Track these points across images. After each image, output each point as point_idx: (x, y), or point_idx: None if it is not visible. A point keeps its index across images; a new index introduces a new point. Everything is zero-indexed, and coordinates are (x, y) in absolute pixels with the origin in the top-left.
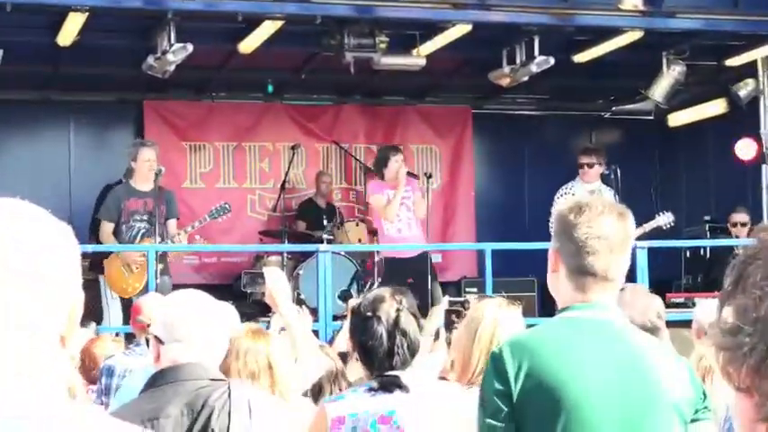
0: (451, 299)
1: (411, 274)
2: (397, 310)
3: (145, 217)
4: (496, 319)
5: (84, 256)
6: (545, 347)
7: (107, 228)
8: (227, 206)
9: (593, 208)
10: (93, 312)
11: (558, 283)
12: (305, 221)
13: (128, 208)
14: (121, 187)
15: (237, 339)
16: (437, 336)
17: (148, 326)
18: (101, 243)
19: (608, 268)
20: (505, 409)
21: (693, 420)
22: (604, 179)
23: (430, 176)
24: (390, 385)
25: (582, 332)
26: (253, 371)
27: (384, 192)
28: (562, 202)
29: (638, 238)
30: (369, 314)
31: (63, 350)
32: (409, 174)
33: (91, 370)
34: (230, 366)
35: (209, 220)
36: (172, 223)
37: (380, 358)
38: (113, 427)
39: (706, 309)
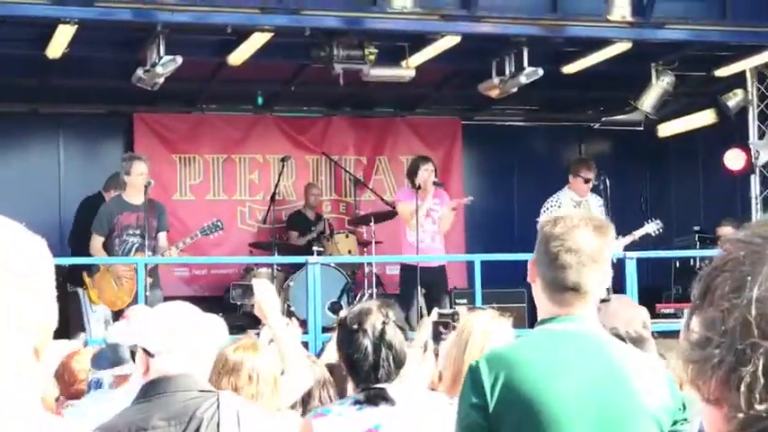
0: (440, 311)
1: (427, 286)
2: (383, 323)
3: (138, 231)
4: (486, 332)
5: (67, 268)
6: (521, 360)
7: (97, 242)
8: (219, 223)
9: (568, 221)
10: (75, 325)
11: (537, 294)
12: (296, 231)
13: (121, 222)
14: (113, 201)
15: (225, 352)
16: (425, 347)
17: None
18: (82, 255)
19: (580, 281)
20: (481, 422)
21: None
22: (593, 189)
23: (419, 188)
24: (376, 398)
25: (559, 344)
26: (237, 384)
27: (412, 200)
28: (544, 216)
29: (629, 247)
30: (355, 327)
31: (36, 363)
32: (435, 184)
33: (70, 385)
34: (219, 379)
35: (201, 237)
36: (162, 236)
37: (366, 371)
38: None
39: None
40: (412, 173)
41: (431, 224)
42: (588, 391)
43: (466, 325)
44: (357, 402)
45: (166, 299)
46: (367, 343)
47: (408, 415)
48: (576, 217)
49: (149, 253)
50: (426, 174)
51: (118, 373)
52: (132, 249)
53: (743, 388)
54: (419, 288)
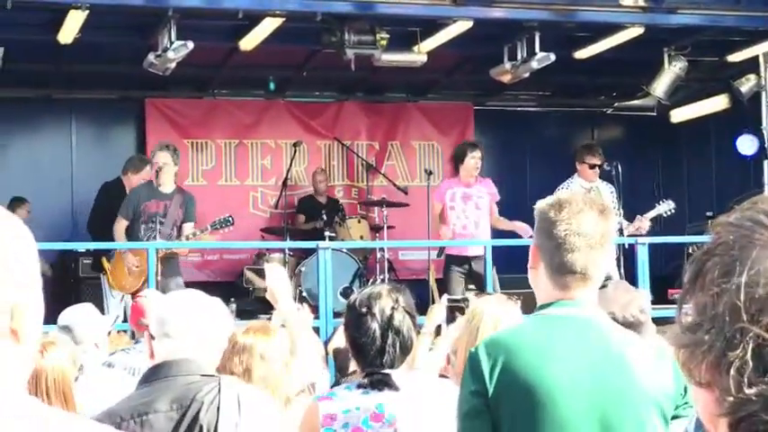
0: (450, 297)
1: (473, 274)
2: (392, 308)
3: (164, 220)
4: (496, 316)
5: (86, 254)
6: (520, 345)
7: (121, 225)
8: (230, 219)
9: (573, 205)
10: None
11: (538, 279)
12: (304, 215)
13: (147, 209)
14: (144, 187)
15: (239, 335)
16: (438, 332)
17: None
18: (102, 241)
19: (587, 265)
20: (481, 408)
21: (675, 417)
22: (605, 175)
23: (431, 173)
24: (380, 383)
25: (559, 329)
26: (248, 367)
27: (447, 193)
28: (543, 200)
29: (646, 233)
30: (363, 310)
31: (16, 344)
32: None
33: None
34: (227, 363)
35: (211, 230)
36: (187, 226)
37: (372, 355)
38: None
39: None
40: (458, 159)
41: (474, 209)
42: (587, 376)
43: (475, 310)
44: (361, 386)
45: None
46: (375, 327)
47: (415, 399)
48: (580, 200)
49: (164, 240)
50: (473, 162)
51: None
52: (152, 236)
53: (732, 372)
54: (460, 276)
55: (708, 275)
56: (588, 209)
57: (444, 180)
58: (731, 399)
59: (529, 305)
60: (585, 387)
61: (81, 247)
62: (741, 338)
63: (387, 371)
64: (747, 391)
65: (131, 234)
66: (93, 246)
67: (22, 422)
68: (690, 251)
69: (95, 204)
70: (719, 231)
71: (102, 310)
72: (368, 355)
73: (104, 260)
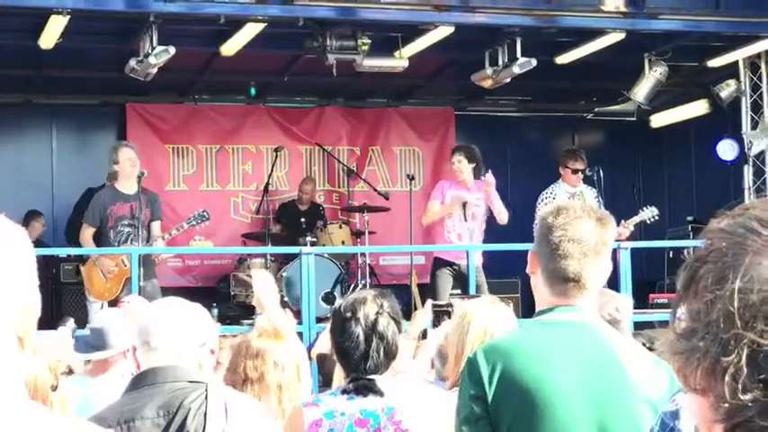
0: (434, 302)
1: (462, 281)
2: (377, 313)
3: (132, 221)
4: (486, 319)
5: (68, 259)
6: (518, 350)
7: (87, 232)
8: (205, 214)
9: (570, 211)
10: (78, 317)
11: (537, 285)
12: (283, 224)
13: (114, 213)
14: (106, 192)
15: (248, 339)
16: (424, 336)
17: None
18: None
19: (581, 272)
20: (480, 413)
21: None
22: (586, 180)
23: (412, 178)
24: (364, 389)
25: (556, 334)
26: (262, 370)
27: (446, 192)
28: (545, 206)
29: (626, 238)
30: (348, 315)
31: (21, 351)
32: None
33: None
34: (243, 363)
35: (187, 227)
36: (156, 225)
37: (356, 360)
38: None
39: None
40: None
41: (470, 220)
42: (585, 380)
43: (465, 313)
44: (346, 392)
45: (161, 289)
46: (359, 332)
47: (400, 406)
48: (579, 208)
49: (141, 243)
50: (454, 165)
51: (97, 358)
52: (128, 240)
53: (727, 378)
54: (449, 275)
55: (701, 282)
56: (586, 217)
57: (443, 180)
58: (726, 405)
59: (516, 310)
60: (583, 392)
61: (62, 252)
62: (735, 344)
63: (371, 376)
64: (742, 396)
65: (101, 240)
66: (74, 251)
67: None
68: (681, 256)
69: (75, 209)
70: (712, 238)
71: (85, 316)
72: (352, 360)
73: (81, 267)
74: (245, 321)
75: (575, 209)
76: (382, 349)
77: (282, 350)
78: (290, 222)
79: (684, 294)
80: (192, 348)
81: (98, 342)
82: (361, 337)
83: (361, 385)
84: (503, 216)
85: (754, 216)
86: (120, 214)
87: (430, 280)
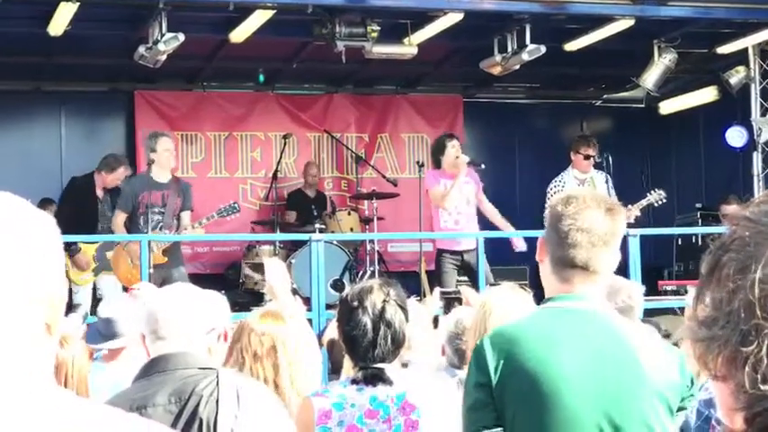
0: (443, 290)
1: (466, 268)
2: (384, 301)
3: (163, 209)
4: (506, 307)
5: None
6: (525, 336)
7: (120, 218)
8: (236, 206)
9: (580, 201)
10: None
11: (545, 272)
12: (295, 211)
13: (145, 200)
14: (139, 178)
15: (254, 322)
16: (436, 324)
17: None
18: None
19: (589, 260)
20: (485, 400)
21: (681, 408)
22: (596, 166)
23: (422, 165)
24: (373, 378)
25: (562, 321)
26: (255, 351)
27: (441, 181)
28: (556, 195)
29: (633, 224)
30: (355, 304)
31: (49, 337)
32: (470, 163)
33: None
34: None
35: (217, 218)
36: (186, 215)
37: (364, 348)
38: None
39: None
40: (438, 152)
41: (465, 205)
42: (591, 367)
43: (486, 300)
44: (355, 382)
45: None
46: (366, 320)
47: (410, 396)
48: (589, 197)
49: (169, 232)
50: (453, 151)
51: (111, 347)
52: (158, 227)
53: (747, 368)
54: (453, 268)
55: (724, 270)
56: (596, 206)
57: (430, 171)
58: (746, 394)
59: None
60: (590, 377)
61: (73, 239)
62: (756, 335)
63: (380, 365)
64: (762, 387)
65: (132, 226)
66: (82, 239)
67: (59, 417)
68: (708, 241)
69: (62, 198)
70: (736, 225)
71: (70, 302)
72: (360, 349)
73: (112, 254)
74: (254, 308)
75: (584, 198)
76: (390, 337)
77: (285, 330)
78: (301, 210)
79: (707, 281)
80: (200, 334)
81: (108, 332)
82: (369, 326)
83: (370, 374)
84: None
85: None
86: (151, 201)
87: (435, 272)
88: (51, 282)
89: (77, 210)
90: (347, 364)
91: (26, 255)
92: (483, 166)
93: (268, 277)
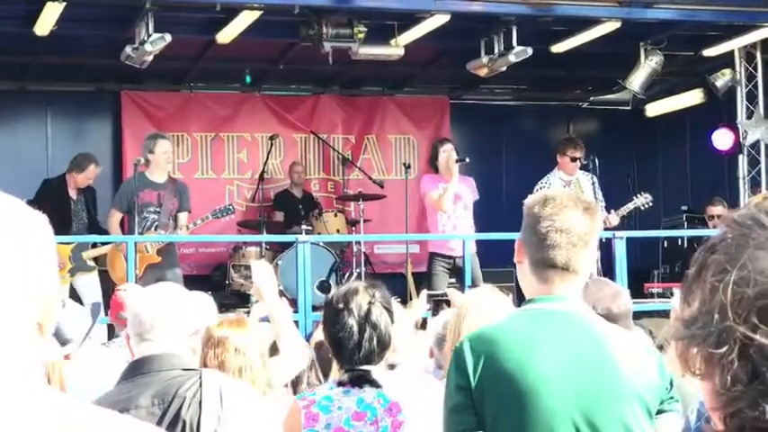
0: (430, 292)
1: (452, 272)
2: (369, 302)
3: (158, 209)
4: (483, 309)
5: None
6: (504, 338)
7: (115, 217)
8: (231, 207)
9: (557, 201)
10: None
11: (523, 274)
12: (283, 211)
13: (141, 199)
14: (135, 178)
15: (214, 329)
16: (424, 326)
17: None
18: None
19: (569, 261)
20: (466, 402)
21: (660, 411)
22: (583, 168)
23: (408, 166)
24: (360, 380)
25: (541, 323)
26: (223, 357)
27: (438, 185)
28: (532, 196)
29: (619, 227)
30: (340, 306)
31: (40, 336)
32: (458, 161)
33: None
34: (205, 354)
35: (211, 219)
36: (183, 216)
37: (350, 350)
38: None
39: None
40: (433, 157)
41: (463, 210)
42: (570, 369)
43: (463, 302)
44: (341, 384)
45: None
46: (352, 322)
47: (396, 398)
48: (566, 197)
49: (165, 232)
50: (446, 155)
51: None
52: (152, 227)
53: (721, 369)
54: (445, 271)
55: (709, 271)
56: (573, 206)
57: (426, 175)
58: (721, 394)
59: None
60: (569, 379)
61: (63, 240)
62: (728, 337)
63: (366, 367)
64: (733, 388)
65: (128, 226)
66: (69, 239)
67: (51, 418)
68: (687, 246)
69: (35, 199)
70: (725, 228)
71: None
72: (345, 351)
73: (108, 252)
74: (241, 309)
75: (561, 198)
76: (376, 338)
77: (243, 336)
78: (289, 210)
79: (694, 282)
80: (185, 336)
81: (59, 339)
82: (355, 328)
83: (357, 376)
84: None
85: (764, 208)
86: (146, 201)
87: (426, 276)
88: (48, 280)
89: (50, 210)
90: (335, 366)
91: (24, 253)
92: (467, 160)
93: (255, 279)
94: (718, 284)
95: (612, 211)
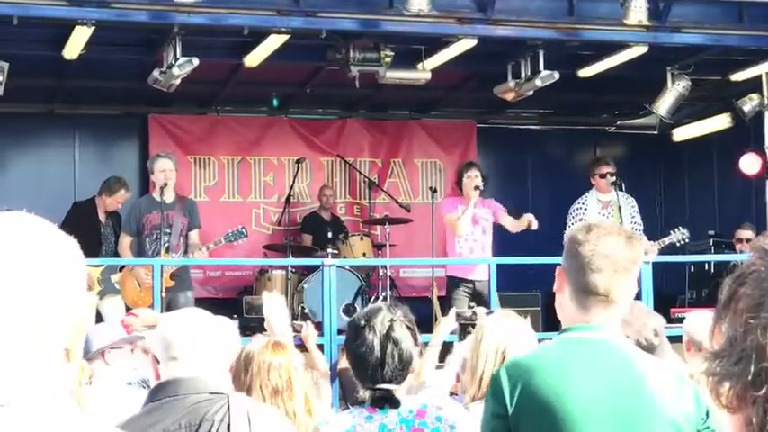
0: (458, 311)
1: (477, 297)
2: (391, 320)
3: (168, 230)
4: (499, 334)
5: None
6: (540, 367)
7: (125, 241)
8: (243, 230)
9: (601, 228)
10: None
11: (563, 302)
12: (310, 234)
13: (150, 222)
14: (143, 200)
15: (259, 354)
16: (449, 349)
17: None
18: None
19: (611, 288)
20: (502, 430)
21: None
22: (618, 187)
23: (435, 191)
24: (381, 400)
25: (579, 351)
26: (276, 386)
27: (457, 208)
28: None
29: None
30: (362, 324)
31: (68, 363)
32: (476, 188)
33: None
34: (252, 382)
35: (225, 243)
36: (194, 234)
37: (372, 367)
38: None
39: (695, 321)
40: (458, 180)
41: (480, 234)
42: (606, 398)
43: (481, 327)
44: (362, 404)
45: None
46: (373, 338)
47: (418, 419)
48: (608, 225)
49: (176, 254)
50: (468, 181)
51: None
52: (164, 249)
53: (755, 408)
54: (465, 295)
55: (739, 304)
56: (616, 233)
57: (448, 197)
58: (753, 430)
59: (536, 323)
60: (604, 409)
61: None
62: (766, 378)
63: (388, 386)
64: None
65: (137, 249)
66: (104, 262)
67: None
68: (714, 271)
69: (64, 222)
70: (754, 257)
71: None
72: (368, 369)
73: (120, 276)
74: (265, 333)
75: (605, 226)
76: (397, 356)
77: (281, 359)
78: (317, 233)
79: (725, 311)
80: (212, 359)
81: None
82: (376, 344)
83: (379, 396)
84: (516, 225)
85: None
86: (156, 223)
87: (446, 299)
88: (77, 306)
89: (80, 234)
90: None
91: (55, 279)
92: (482, 188)
93: (266, 312)
94: (753, 322)
95: (652, 242)
